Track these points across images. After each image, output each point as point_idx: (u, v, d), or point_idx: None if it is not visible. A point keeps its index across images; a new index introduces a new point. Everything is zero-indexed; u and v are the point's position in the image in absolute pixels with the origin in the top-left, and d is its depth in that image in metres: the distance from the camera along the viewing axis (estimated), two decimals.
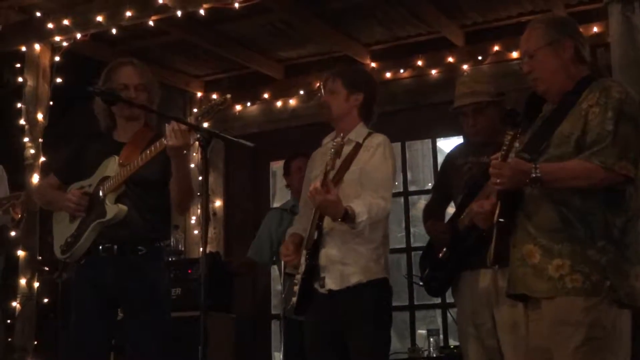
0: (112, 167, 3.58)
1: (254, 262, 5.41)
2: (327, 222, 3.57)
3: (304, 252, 3.62)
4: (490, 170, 2.85)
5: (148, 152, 3.46)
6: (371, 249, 3.61)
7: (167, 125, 3.34)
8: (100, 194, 3.55)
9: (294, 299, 3.64)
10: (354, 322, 3.53)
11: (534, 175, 2.76)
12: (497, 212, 2.91)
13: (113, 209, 3.51)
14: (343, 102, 3.73)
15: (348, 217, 3.42)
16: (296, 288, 3.64)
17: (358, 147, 3.69)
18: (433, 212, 4.12)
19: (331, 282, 3.57)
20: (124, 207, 3.52)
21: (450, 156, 4.17)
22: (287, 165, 5.40)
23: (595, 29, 5.60)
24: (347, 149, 3.64)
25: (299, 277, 3.64)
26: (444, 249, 3.88)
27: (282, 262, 5.03)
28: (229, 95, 3.25)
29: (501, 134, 3.76)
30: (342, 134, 3.57)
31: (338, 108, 3.73)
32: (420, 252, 4.19)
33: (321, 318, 3.60)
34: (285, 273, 4.88)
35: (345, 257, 3.56)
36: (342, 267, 3.57)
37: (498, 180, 2.82)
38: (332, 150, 3.46)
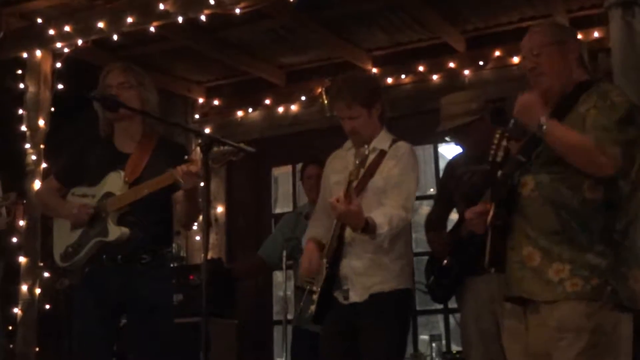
0: (116, 183, 3.58)
1: (263, 261, 5.37)
2: (349, 232, 3.53)
3: (324, 261, 3.60)
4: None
5: (156, 181, 3.46)
6: (394, 260, 3.58)
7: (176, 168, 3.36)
8: (103, 211, 3.56)
9: (313, 307, 3.60)
10: (371, 330, 3.50)
11: (541, 123, 2.76)
12: (490, 214, 2.90)
13: (116, 232, 3.52)
14: (368, 120, 3.66)
15: (369, 228, 3.39)
16: (315, 297, 3.61)
17: (382, 154, 3.64)
18: (434, 223, 4.13)
19: (355, 295, 3.55)
20: (127, 231, 3.52)
21: (451, 165, 4.19)
22: (302, 173, 5.40)
23: (596, 34, 5.60)
24: (371, 157, 3.60)
25: (318, 285, 3.60)
26: (448, 257, 3.89)
27: (285, 270, 5.05)
28: (242, 144, 3.23)
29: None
30: (367, 145, 3.52)
31: (366, 128, 3.66)
32: (422, 257, 4.19)
33: (339, 326, 3.58)
34: (296, 286, 4.85)
35: (369, 268, 3.54)
36: (365, 278, 3.54)
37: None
38: (357, 160, 3.43)
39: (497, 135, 2.85)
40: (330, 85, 6.14)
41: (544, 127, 2.76)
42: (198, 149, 3.18)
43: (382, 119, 3.74)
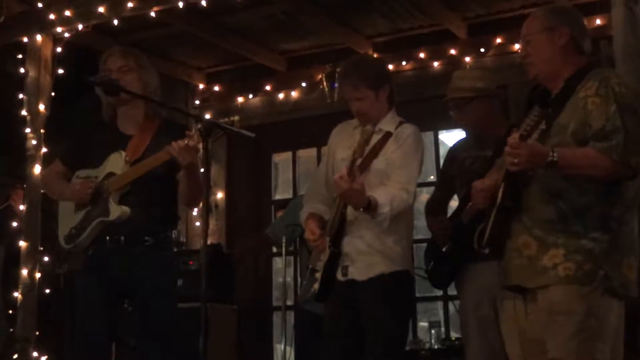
0: (118, 163, 3.59)
1: (269, 238, 5.34)
2: (350, 210, 3.54)
3: (327, 238, 3.60)
4: (507, 150, 2.79)
5: (154, 158, 3.47)
6: (396, 240, 3.58)
7: (172, 144, 3.36)
8: (105, 191, 3.57)
9: (316, 286, 3.62)
10: (373, 312, 3.51)
11: (550, 159, 2.73)
12: (500, 194, 2.89)
13: (116, 210, 3.52)
14: (375, 102, 3.65)
15: (370, 207, 3.40)
16: (318, 275, 3.62)
17: (388, 136, 3.64)
18: (435, 208, 4.13)
19: (355, 272, 3.55)
20: (127, 210, 3.52)
21: (452, 150, 4.20)
22: None
23: (598, 21, 5.59)
24: (377, 137, 3.60)
25: (320, 264, 3.62)
26: (448, 242, 3.89)
27: (284, 256, 5.05)
28: (237, 117, 3.22)
29: (499, 127, 3.81)
30: (372, 123, 3.54)
31: (373, 110, 3.65)
32: (422, 244, 4.20)
33: (341, 306, 3.59)
34: (307, 267, 4.84)
35: (370, 247, 3.55)
36: (367, 258, 3.55)
37: (515, 161, 2.77)
38: (361, 138, 3.44)
39: (535, 117, 2.80)
40: (335, 68, 6.16)
41: (555, 155, 2.73)
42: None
43: (391, 101, 3.74)
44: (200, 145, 3.28)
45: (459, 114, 3.99)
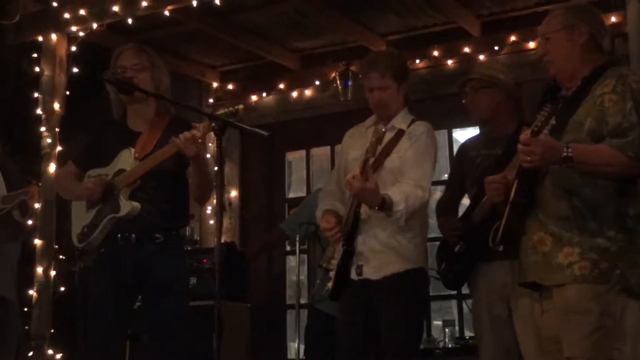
0: (127, 159, 3.60)
1: (283, 233, 5.34)
2: (364, 209, 3.54)
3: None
4: (519, 147, 2.77)
5: (162, 152, 3.48)
6: (410, 238, 3.58)
7: (176, 137, 3.37)
8: (115, 188, 3.58)
9: (329, 284, 3.63)
10: (388, 311, 3.51)
11: (565, 154, 2.72)
12: (513, 191, 2.88)
13: (127, 206, 3.54)
14: (396, 95, 3.68)
15: (385, 205, 3.40)
16: (332, 273, 3.63)
17: (401, 133, 3.64)
18: (445, 209, 4.11)
19: (369, 272, 3.56)
20: (137, 205, 3.54)
21: (463, 148, 4.18)
22: None
23: (613, 19, 5.56)
24: (389, 135, 3.61)
25: (334, 262, 3.62)
26: (460, 243, 3.88)
27: (298, 254, 5.04)
28: (241, 106, 3.23)
29: (510, 124, 3.78)
30: (384, 122, 3.55)
31: (393, 103, 3.67)
32: (435, 242, 4.18)
33: (355, 305, 3.59)
34: (319, 266, 4.84)
35: (384, 246, 3.55)
36: (381, 256, 3.55)
37: (528, 158, 2.76)
38: (373, 138, 3.44)
39: (545, 113, 2.78)
40: (348, 66, 6.16)
41: (569, 150, 2.72)
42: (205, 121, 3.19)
43: (406, 99, 3.75)
44: (212, 138, 3.28)
45: (471, 97, 3.94)
